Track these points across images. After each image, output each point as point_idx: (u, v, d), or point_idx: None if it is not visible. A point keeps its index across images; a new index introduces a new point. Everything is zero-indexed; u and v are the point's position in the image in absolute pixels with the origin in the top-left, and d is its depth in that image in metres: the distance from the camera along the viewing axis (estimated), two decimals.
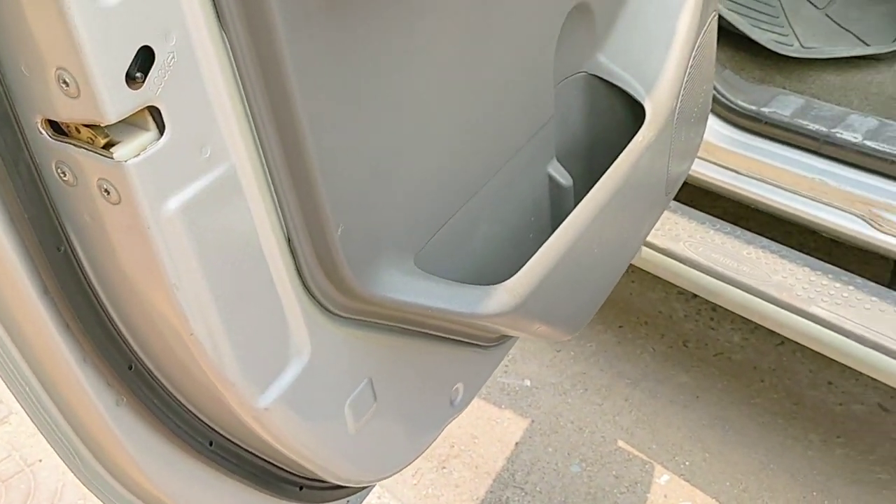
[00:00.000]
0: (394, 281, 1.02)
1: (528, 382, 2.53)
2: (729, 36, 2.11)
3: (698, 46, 1.52)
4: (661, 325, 2.65)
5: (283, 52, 0.78)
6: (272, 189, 0.85)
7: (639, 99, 1.38)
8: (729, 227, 1.98)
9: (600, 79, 1.42)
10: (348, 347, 1.04)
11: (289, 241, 0.90)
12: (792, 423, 2.32)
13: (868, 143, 1.82)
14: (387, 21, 0.91)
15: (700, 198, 2.19)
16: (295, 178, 0.85)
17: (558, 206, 1.39)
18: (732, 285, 1.89)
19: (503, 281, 1.10)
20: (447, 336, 1.24)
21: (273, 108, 0.80)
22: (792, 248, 1.95)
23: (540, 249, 1.13)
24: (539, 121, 1.31)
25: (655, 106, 1.40)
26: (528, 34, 1.22)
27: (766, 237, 1.96)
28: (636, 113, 1.41)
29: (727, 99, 1.96)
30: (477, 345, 1.34)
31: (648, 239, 1.98)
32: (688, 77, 1.49)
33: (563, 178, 1.38)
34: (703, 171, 2.00)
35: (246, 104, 0.79)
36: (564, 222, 1.16)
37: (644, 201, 1.50)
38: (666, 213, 2.01)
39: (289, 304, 0.92)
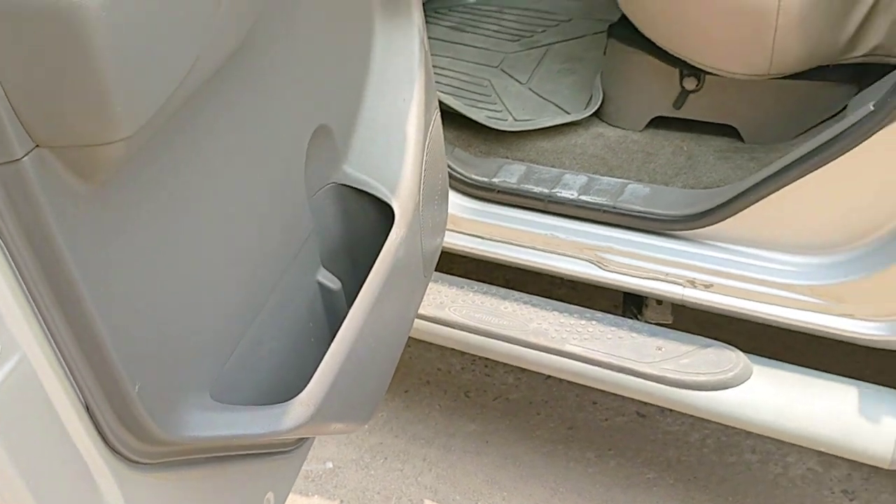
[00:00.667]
0: (194, 420, 1.08)
1: (330, 464, 2.60)
2: (452, 117, 2.36)
3: (429, 141, 1.72)
4: (442, 381, 2.84)
5: (57, 245, 0.83)
6: (66, 367, 0.89)
7: (386, 200, 1.54)
8: (486, 286, 2.20)
9: (349, 186, 1.56)
10: (160, 490, 1.08)
11: (87, 409, 0.94)
12: (571, 446, 2.58)
13: (583, 197, 2.12)
14: (153, 189, 0.98)
15: (455, 262, 2.41)
16: (86, 354, 0.90)
17: (332, 308, 1.51)
18: (497, 339, 2.10)
19: (296, 387, 1.20)
20: (252, 452, 1.31)
21: (56, 297, 0.85)
22: (542, 291, 2.20)
23: (324, 358, 1.24)
24: (301, 235, 1.43)
25: (402, 203, 1.56)
26: (279, 162, 1.34)
27: (518, 288, 2.21)
28: (386, 211, 1.57)
29: (462, 175, 2.19)
30: (281, 451, 1.41)
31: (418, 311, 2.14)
32: (425, 170, 1.68)
33: (332, 282, 1.50)
34: (454, 241, 2.21)
35: (30, 298, 0.83)
36: (341, 328, 1.28)
37: (408, 286, 1.66)
38: (430, 285, 2.19)
39: (96, 469, 0.96)
